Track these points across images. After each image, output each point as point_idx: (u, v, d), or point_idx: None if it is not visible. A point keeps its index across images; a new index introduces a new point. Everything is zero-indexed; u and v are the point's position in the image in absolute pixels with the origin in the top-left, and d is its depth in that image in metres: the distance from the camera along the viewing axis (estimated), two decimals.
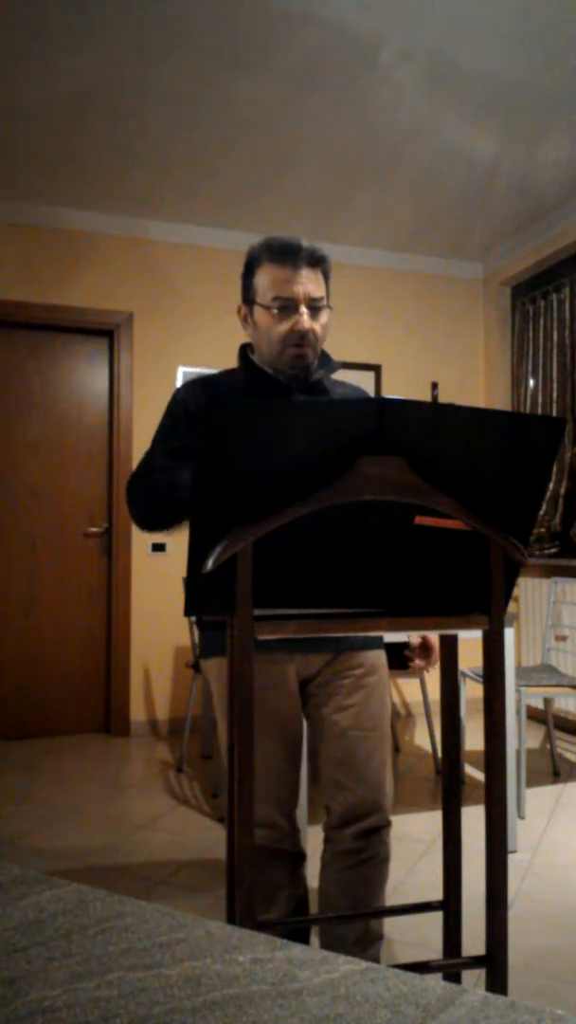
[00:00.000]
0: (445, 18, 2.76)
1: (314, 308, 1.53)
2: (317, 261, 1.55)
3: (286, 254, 1.52)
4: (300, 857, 1.65)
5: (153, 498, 1.55)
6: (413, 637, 1.75)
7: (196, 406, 1.60)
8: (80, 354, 4.44)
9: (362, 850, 1.57)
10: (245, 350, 1.67)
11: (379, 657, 1.63)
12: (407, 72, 3.08)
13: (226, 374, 1.69)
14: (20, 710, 4.24)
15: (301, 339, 1.52)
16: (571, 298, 4.45)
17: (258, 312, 1.57)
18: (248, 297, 1.60)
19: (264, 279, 1.55)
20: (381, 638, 1.66)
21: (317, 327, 1.54)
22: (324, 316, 1.56)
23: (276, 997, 0.44)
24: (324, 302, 1.56)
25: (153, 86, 3.17)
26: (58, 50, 2.94)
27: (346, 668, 1.57)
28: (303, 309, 1.51)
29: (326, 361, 1.65)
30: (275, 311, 1.53)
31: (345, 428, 1.02)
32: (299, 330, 1.52)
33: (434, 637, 1.71)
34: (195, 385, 1.66)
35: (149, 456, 1.64)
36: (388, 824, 1.60)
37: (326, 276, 1.58)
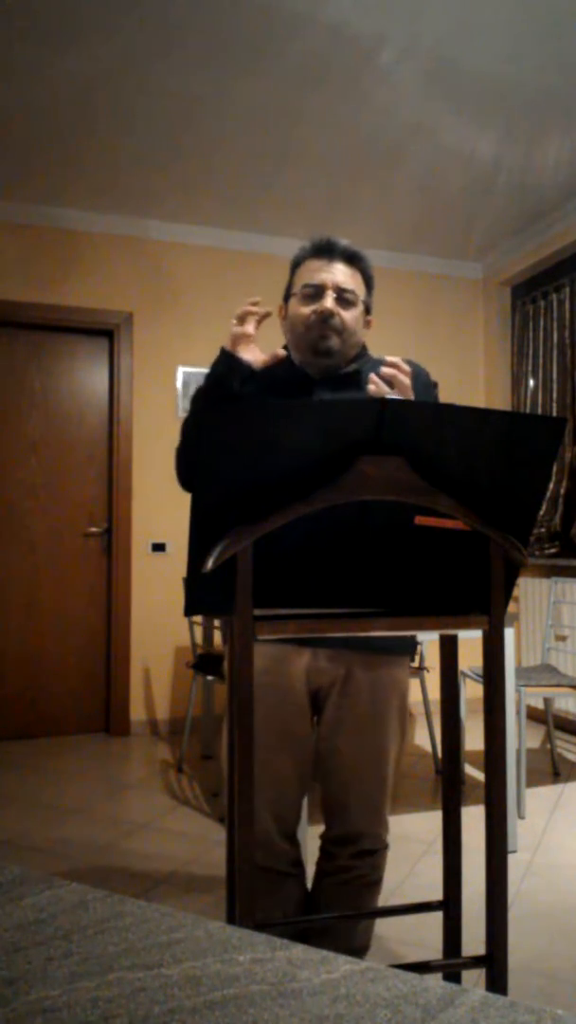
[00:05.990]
0: (445, 18, 2.76)
1: (343, 299, 1.54)
2: (352, 258, 1.57)
3: (323, 248, 1.56)
4: (299, 877, 1.64)
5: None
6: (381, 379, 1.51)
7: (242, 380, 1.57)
8: (80, 354, 4.44)
9: (352, 868, 1.58)
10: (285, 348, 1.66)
11: (398, 682, 1.55)
12: (407, 72, 3.08)
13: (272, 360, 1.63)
14: (20, 710, 4.24)
15: (323, 321, 1.52)
16: (571, 298, 4.45)
17: (291, 303, 1.59)
18: (286, 294, 1.62)
19: (301, 273, 1.58)
20: (407, 644, 1.59)
21: (343, 314, 1.53)
22: (355, 310, 1.55)
23: (276, 997, 0.44)
24: (356, 297, 1.55)
25: (153, 86, 3.17)
26: (57, 50, 2.94)
27: (360, 691, 1.51)
28: (329, 294, 1.52)
29: (361, 356, 1.63)
30: (303, 298, 1.55)
31: (345, 428, 1.02)
32: (320, 310, 1.52)
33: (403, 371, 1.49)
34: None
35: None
36: (383, 847, 1.60)
37: (366, 277, 1.59)
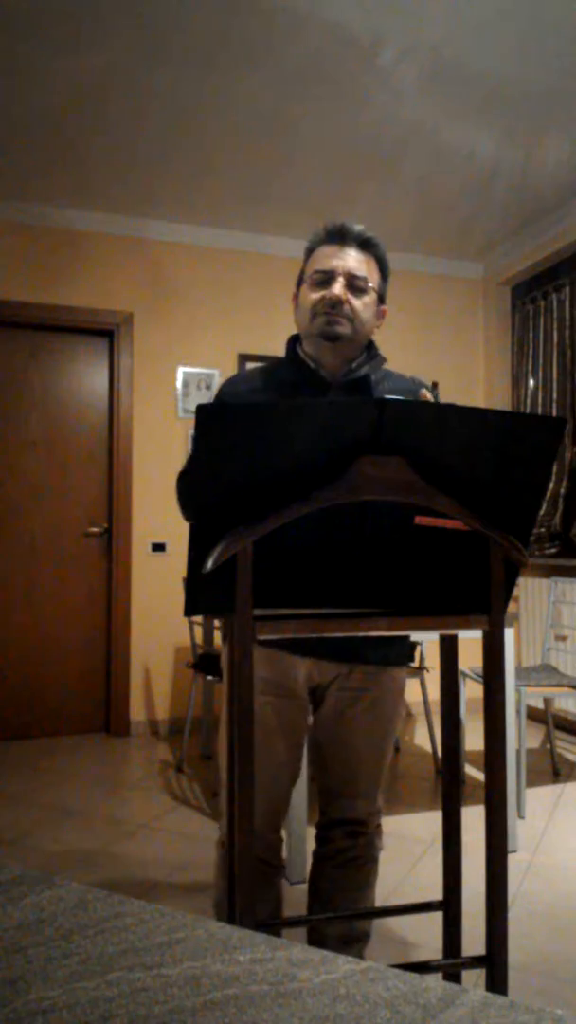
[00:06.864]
0: (445, 18, 2.76)
1: (354, 286, 1.50)
2: (366, 244, 1.53)
3: (336, 233, 1.53)
4: (280, 870, 1.66)
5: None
6: None
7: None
8: (80, 354, 4.44)
9: (349, 849, 1.61)
10: (293, 342, 1.62)
11: (397, 679, 1.59)
12: (407, 72, 3.08)
13: (276, 365, 1.64)
14: (20, 710, 4.24)
15: (331, 307, 1.48)
16: (571, 298, 4.45)
17: (302, 289, 1.56)
18: (299, 280, 1.59)
19: (314, 259, 1.55)
20: (405, 655, 1.61)
21: (354, 301, 1.50)
22: (366, 297, 1.52)
23: (276, 997, 0.44)
24: (368, 284, 1.52)
25: (153, 86, 3.17)
26: (58, 50, 2.94)
27: (362, 686, 1.54)
28: (339, 280, 1.49)
29: (372, 357, 1.60)
30: (313, 284, 1.52)
31: (345, 428, 1.02)
32: (329, 297, 1.48)
33: None
34: (236, 382, 1.62)
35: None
36: (377, 829, 1.64)
37: (380, 265, 1.56)
